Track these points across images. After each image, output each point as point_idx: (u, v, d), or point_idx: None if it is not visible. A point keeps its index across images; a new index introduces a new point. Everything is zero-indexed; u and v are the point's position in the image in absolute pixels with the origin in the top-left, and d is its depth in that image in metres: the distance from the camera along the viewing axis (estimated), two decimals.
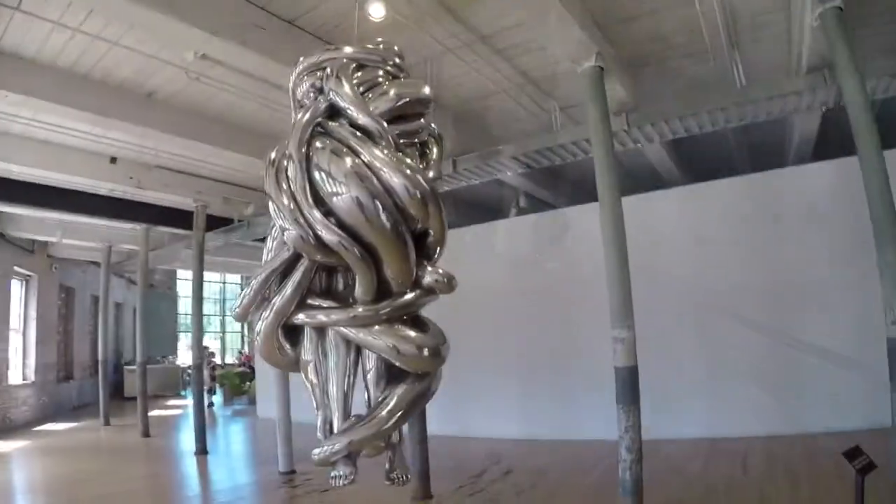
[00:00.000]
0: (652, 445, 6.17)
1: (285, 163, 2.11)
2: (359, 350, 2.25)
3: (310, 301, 2.27)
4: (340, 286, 2.33)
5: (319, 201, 2.07)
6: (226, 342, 25.92)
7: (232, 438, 12.92)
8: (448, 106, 8.62)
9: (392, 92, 2.34)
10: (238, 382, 18.43)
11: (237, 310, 2.25)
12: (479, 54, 7.11)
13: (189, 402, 17.50)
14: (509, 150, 9.28)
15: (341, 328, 2.16)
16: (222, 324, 25.88)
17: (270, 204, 2.09)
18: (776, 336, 8.56)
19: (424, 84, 2.50)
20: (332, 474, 2.20)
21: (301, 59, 2.49)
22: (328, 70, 2.28)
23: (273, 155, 2.15)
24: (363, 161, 1.95)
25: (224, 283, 26.31)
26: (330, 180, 1.95)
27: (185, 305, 23.59)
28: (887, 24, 6.89)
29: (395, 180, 1.92)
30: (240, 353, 24.32)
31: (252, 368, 19.45)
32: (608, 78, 6.81)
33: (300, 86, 2.37)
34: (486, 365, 9.98)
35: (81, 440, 11.85)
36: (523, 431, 9.56)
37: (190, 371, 20.16)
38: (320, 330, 2.24)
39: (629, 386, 5.90)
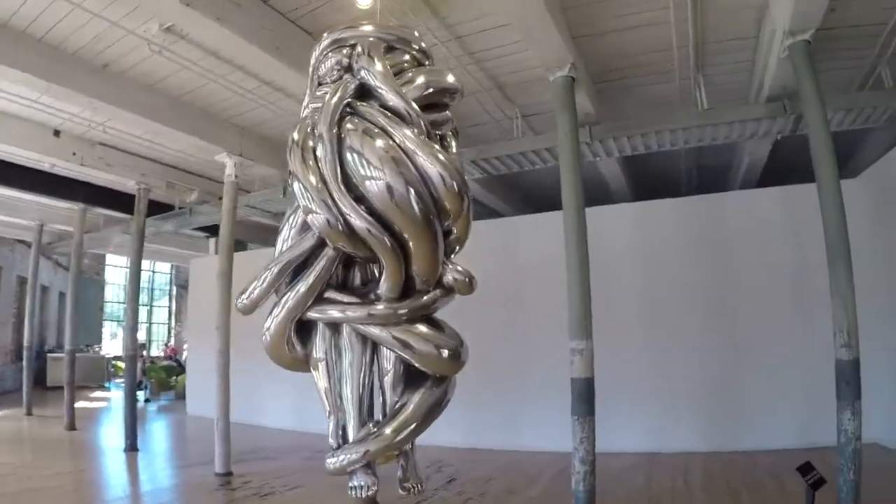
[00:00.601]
0: None
1: (311, 143, 1.93)
2: (375, 350, 2.08)
3: (327, 295, 2.10)
4: (357, 281, 2.16)
5: (349, 187, 1.92)
6: (152, 334, 24.82)
7: (162, 435, 12.33)
8: None
9: (421, 79, 2.20)
10: (165, 377, 17.68)
11: (245, 301, 2.05)
12: (452, 53, 7.01)
13: (113, 394, 16.69)
14: (469, 154, 9.18)
15: (359, 326, 1.99)
16: (149, 314, 24.78)
17: (296, 185, 1.91)
18: (718, 354, 8.77)
19: (449, 73, 2.37)
20: (351, 485, 2.02)
21: (325, 34, 2.33)
22: (358, 48, 2.11)
23: (296, 135, 1.98)
24: (397, 144, 1.80)
25: (153, 271, 25.22)
26: (363, 162, 1.80)
27: (112, 292, 22.50)
28: (846, 61, 7.16)
29: (431, 168, 1.78)
30: (165, 345, 23.32)
31: (178, 362, 18.70)
32: (577, 89, 6.83)
33: (324, 62, 2.20)
34: None
35: (2, 430, 11.12)
36: (468, 440, 9.47)
37: (115, 362, 19.26)
38: (335, 326, 2.06)
39: (585, 397, 5.90)
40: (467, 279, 1.99)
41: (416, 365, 1.97)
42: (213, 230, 14.45)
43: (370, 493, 1.97)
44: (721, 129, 8.01)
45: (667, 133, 8.15)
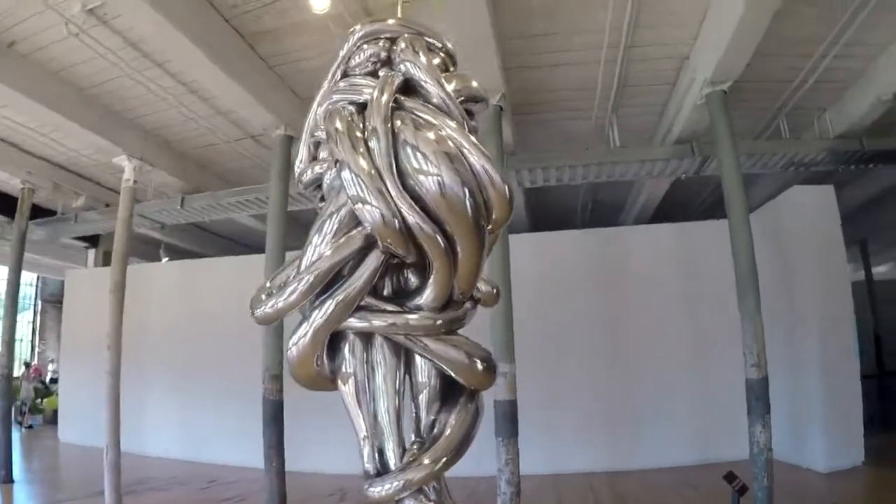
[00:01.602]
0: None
1: (357, 133, 1.78)
2: (408, 364, 1.92)
3: (364, 302, 1.91)
4: (387, 290, 2.00)
5: (402, 185, 1.77)
6: (14, 351, 22.26)
7: (38, 465, 11.03)
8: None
9: (453, 85, 2.09)
10: (34, 398, 15.98)
11: (268, 310, 1.80)
12: None
13: None
14: None
15: (397, 336, 1.83)
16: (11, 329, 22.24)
17: (345, 174, 1.71)
18: (616, 378, 9.07)
19: (474, 80, 2.29)
20: None
21: (357, 26, 2.17)
22: (401, 42, 1.98)
23: (340, 124, 1.81)
24: (449, 137, 1.69)
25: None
26: (418, 156, 1.64)
27: None
28: (750, 111, 7.79)
29: (483, 168, 1.68)
30: (27, 364, 21.04)
31: (44, 383, 17.00)
32: (503, 118, 7.00)
33: (357, 54, 2.03)
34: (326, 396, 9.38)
35: None
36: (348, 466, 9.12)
37: None
38: (367, 338, 1.88)
39: (509, 419, 5.93)
40: (494, 291, 1.89)
41: (459, 378, 1.83)
42: (93, 240, 13.29)
43: None
44: (632, 167, 8.43)
45: (580, 168, 8.46)
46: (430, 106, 1.93)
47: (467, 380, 1.93)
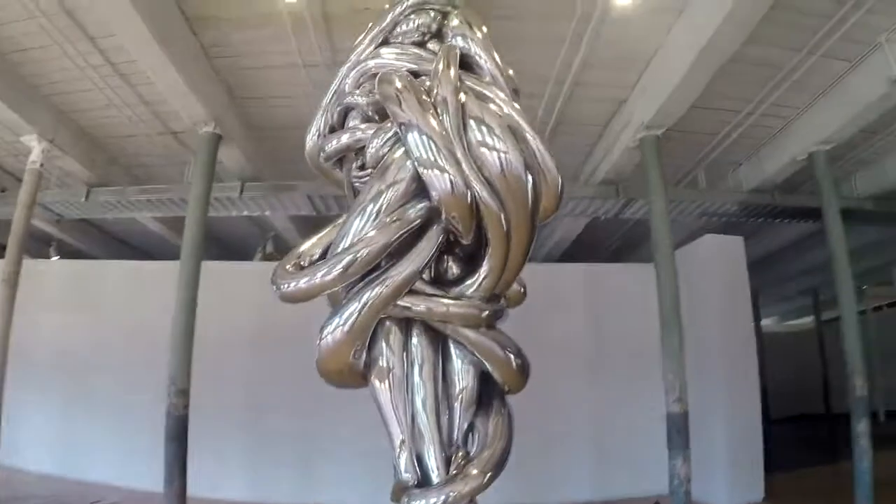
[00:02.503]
0: None
1: (424, 97, 1.62)
2: (444, 362, 1.72)
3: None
4: (426, 276, 1.81)
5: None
6: None
7: None
8: (259, 125, 7.87)
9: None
10: None
11: (302, 285, 1.57)
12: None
13: None
14: (305, 188, 8.75)
15: (443, 327, 1.65)
16: None
17: (413, 135, 1.55)
18: (527, 414, 9.04)
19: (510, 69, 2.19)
20: None
21: None
22: (454, 19, 1.86)
23: (399, 83, 1.66)
24: (510, 113, 1.58)
25: None
26: (484, 129, 1.53)
27: None
28: (673, 159, 8.17)
29: (541, 152, 1.58)
30: None
31: None
32: None
33: (405, 22, 1.88)
34: (209, 415, 8.60)
35: None
36: (254, 493, 8.52)
37: None
38: (407, 328, 1.68)
39: None
40: (522, 290, 1.78)
41: (494, 373, 1.67)
42: None
43: None
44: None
45: None
46: (484, 81, 1.82)
47: (504, 377, 1.77)
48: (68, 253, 11.98)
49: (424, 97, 1.73)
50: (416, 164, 1.59)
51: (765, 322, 18.40)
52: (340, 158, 1.99)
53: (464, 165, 1.54)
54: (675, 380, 6.17)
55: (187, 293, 6.49)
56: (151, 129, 7.78)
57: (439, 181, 1.52)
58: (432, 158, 1.52)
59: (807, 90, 6.52)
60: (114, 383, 8.65)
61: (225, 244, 12.26)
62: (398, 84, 1.70)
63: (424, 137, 1.54)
